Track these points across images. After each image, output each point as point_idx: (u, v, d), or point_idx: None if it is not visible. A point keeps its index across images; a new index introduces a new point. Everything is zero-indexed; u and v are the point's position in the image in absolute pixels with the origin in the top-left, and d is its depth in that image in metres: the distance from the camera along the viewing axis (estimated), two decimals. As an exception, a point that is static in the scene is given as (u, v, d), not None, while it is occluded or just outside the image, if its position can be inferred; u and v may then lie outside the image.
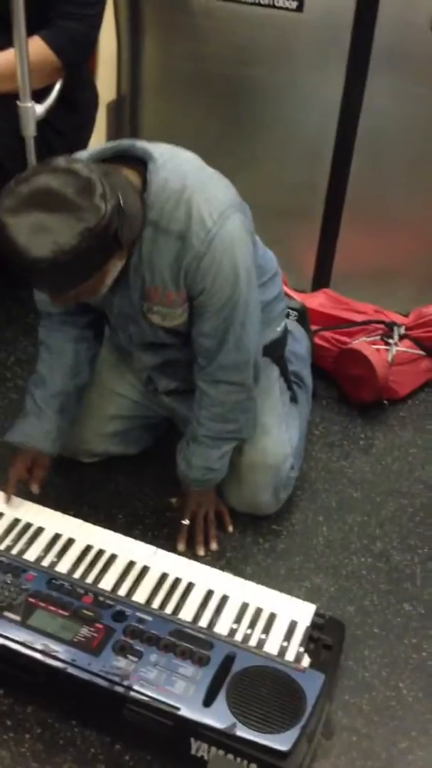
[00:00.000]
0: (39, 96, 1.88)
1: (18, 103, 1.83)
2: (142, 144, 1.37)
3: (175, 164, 1.35)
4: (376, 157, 2.19)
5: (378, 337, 2.14)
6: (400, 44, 2.01)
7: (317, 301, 2.26)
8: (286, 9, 2.07)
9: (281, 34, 2.11)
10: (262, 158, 2.27)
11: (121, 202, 1.24)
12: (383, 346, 2.11)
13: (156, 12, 2.25)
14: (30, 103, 1.83)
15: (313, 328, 2.12)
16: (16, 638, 1.31)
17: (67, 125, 2.01)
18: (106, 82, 2.20)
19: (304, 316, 2.02)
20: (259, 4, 2.08)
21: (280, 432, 1.68)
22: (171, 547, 1.61)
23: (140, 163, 1.35)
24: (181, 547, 1.67)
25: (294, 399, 1.77)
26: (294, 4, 2.05)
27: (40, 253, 1.18)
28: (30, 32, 1.76)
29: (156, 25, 2.27)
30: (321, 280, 2.41)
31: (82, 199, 1.19)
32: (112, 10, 2.14)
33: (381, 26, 2.00)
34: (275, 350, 1.71)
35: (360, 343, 2.11)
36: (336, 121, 2.16)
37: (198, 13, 2.17)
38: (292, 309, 1.98)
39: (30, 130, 1.87)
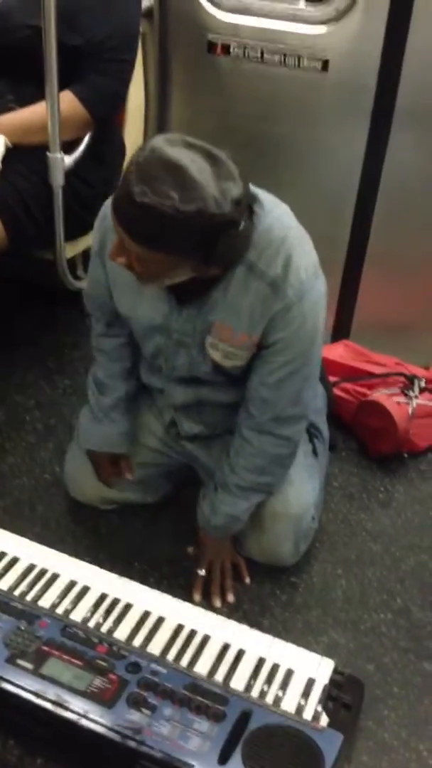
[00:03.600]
0: (68, 148, 1.93)
1: (48, 153, 1.88)
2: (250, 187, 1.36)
3: (279, 214, 1.37)
4: (397, 212, 2.21)
5: (398, 390, 2.13)
6: (423, 104, 2.04)
7: (337, 352, 2.27)
8: (311, 69, 2.12)
9: (306, 92, 2.15)
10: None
11: (242, 225, 1.24)
12: (403, 399, 2.10)
13: (183, 70, 2.30)
14: (59, 155, 1.89)
15: (333, 379, 2.11)
16: (28, 687, 1.29)
17: (94, 177, 2.05)
18: (133, 136, 2.25)
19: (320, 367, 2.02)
20: (285, 65, 2.13)
21: (302, 482, 1.66)
22: (187, 597, 1.59)
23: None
24: (197, 597, 1.65)
25: (314, 451, 1.76)
26: (319, 65, 2.10)
27: (147, 200, 1.14)
28: (61, 85, 1.82)
29: (183, 82, 2.33)
30: (341, 331, 2.41)
31: (223, 193, 1.17)
32: (141, 67, 2.20)
33: (404, 86, 2.04)
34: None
35: (380, 395, 2.10)
36: (358, 177, 2.19)
37: (224, 72, 2.22)
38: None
39: (58, 181, 1.92)
